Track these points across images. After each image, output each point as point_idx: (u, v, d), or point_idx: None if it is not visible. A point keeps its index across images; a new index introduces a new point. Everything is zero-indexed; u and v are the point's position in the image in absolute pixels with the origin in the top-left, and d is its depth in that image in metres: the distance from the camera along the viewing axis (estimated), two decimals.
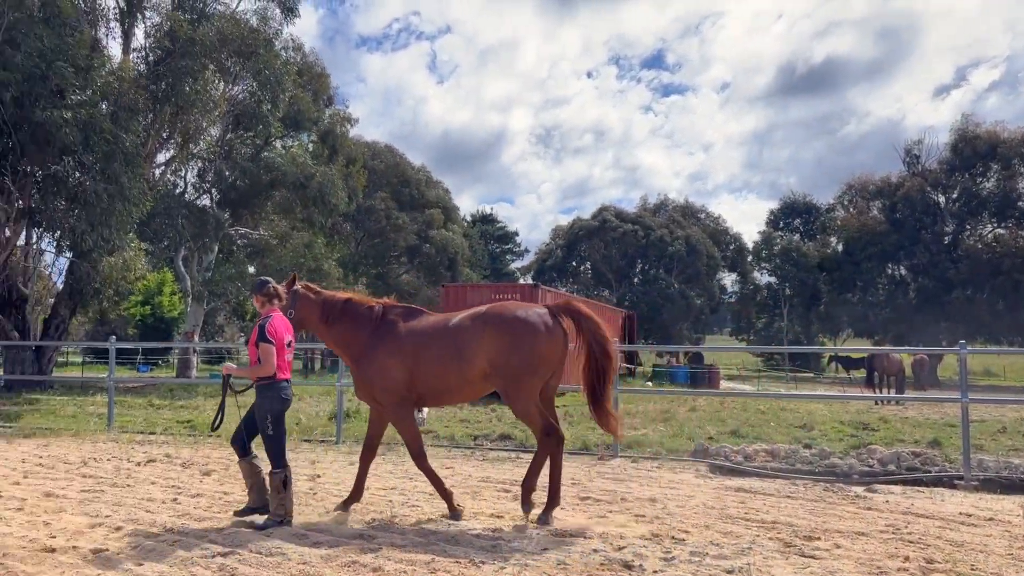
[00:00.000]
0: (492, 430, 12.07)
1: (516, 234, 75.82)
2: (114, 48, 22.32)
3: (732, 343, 64.90)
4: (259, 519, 6.01)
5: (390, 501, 6.91)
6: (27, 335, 21.01)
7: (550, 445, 6.26)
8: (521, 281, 58.72)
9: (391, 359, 6.37)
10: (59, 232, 19.86)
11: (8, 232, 19.08)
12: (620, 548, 5.38)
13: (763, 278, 59.28)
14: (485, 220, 73.27)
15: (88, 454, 9.86)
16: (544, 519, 6.13)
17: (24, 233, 20.57)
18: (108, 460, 9.36)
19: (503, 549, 5.34)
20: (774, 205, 60.02)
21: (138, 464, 9.05)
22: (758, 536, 5.80)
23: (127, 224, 18.94)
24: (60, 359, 34.56)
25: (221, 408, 6.41)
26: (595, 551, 5.28)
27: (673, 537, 5.72)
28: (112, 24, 22.27)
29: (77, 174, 17.75)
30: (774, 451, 9.57)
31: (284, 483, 6.00)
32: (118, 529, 5.78)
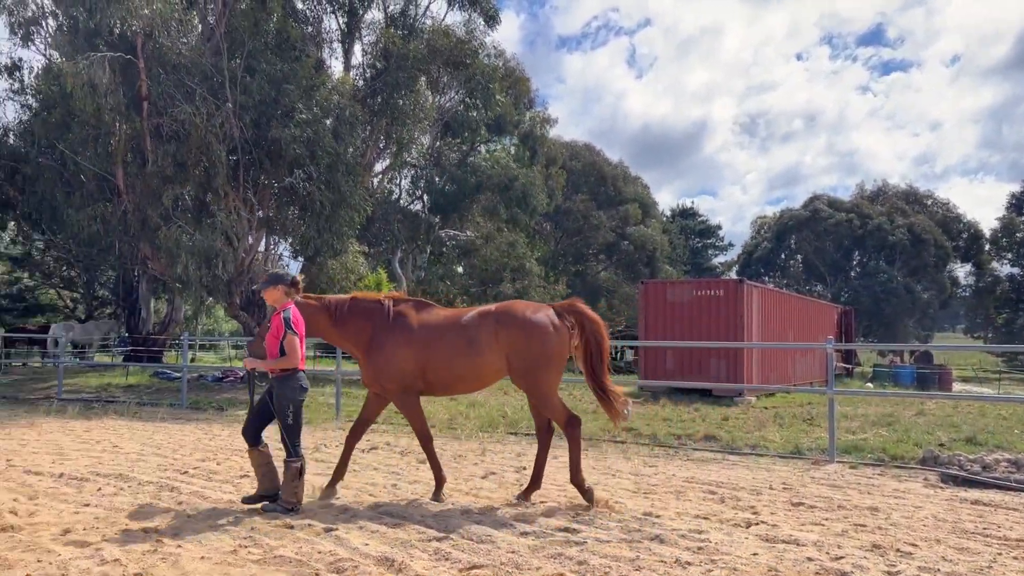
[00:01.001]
0: (695, 430, 11.80)
1: (719, 228, 73.23)
2: (336, 67, 24.32)
3: (967, 341, 58.78)
4: (269, 504, 6.23)
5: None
6: None
7: (576, 434, 6.70)
8: (724, 277, 56.70)
9: (402, 349, 6.81)
10: (292, 238, 21.97)
11: (251, 239, 21.33)
12: (837, 558, 5.06)
13: (1003, 269, 53.13)
14: (685, 215, 71.51)
15: (319, 440, 10.81)
16: (522, 497, 6.75)
17: (264, 240, 22.89)
18: (336, 447, 10.20)
19: (709, 550, 5.21)
20: (1015, 188, 53.38)
21: (362, 451, 9.78)
22: (1000, 555, 5.22)
23: (349, 229, 20.54)
24: None
25: (251, 403, 6.57)
26: (809, 559, 5.00)
27: (898, 550, 5.29)
28: (334, 45, 24.29)
29: (306, 185, 19.50)
30: (1019, 461, 8.55)
31: (299, 472, 6.26)
32: (346, 510, 6.28)
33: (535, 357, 6.64)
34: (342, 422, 13.14)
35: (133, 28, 18.15)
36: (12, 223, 26.56)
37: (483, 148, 30.36)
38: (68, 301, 37.57)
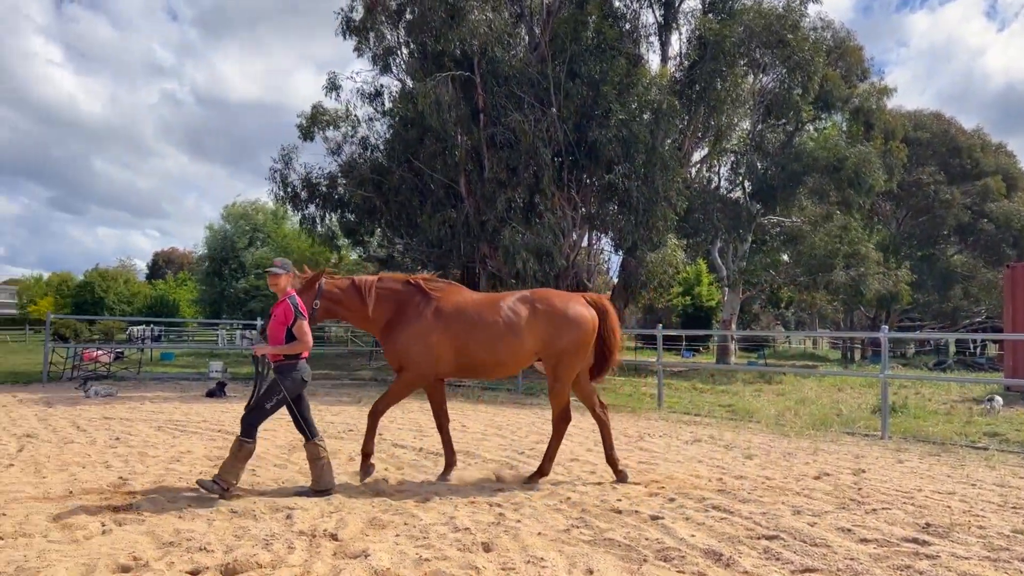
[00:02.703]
0: None
1: None
2: (653, 60, 24.47)
3: None
4: (206, 481, 6.09)
5: (948, 507, 6.22)
6: None
7: (563, 426, 7.20)
8: None
9: (435, 332, 6.89)
10: (612, 233, 22.62)
11: (575, 235, 22.35)
12: None
13: None
14: None
15: (643, 429, 11.02)
16: (529, 481, 6.98)
17: (587, 235, 23.83)
18: (660, 436, 10.32)
19: None
20: None
21: (686, 443, 9.78)
22: None
23: (667, 223, 20.59)
24: None
25: (255, 390, 6.42)
26: None
27: None
28: (651, 39, 24.45)
29: (623, 182, 19.93)
30: None
31: (249, 455, 6.14)
32: (672, 500, 6.34)
33: (567, 345, 6.95)
34: (664, 412, 13.25)
35: (471, 47, 19.99)
36: (378, 229, 30.67)
37: (810, 127, 28.50)
38: None
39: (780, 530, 5.39)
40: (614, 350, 7.35)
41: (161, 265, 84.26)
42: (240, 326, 41.54)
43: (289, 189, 27.88)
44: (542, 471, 7.13)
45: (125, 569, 4.32)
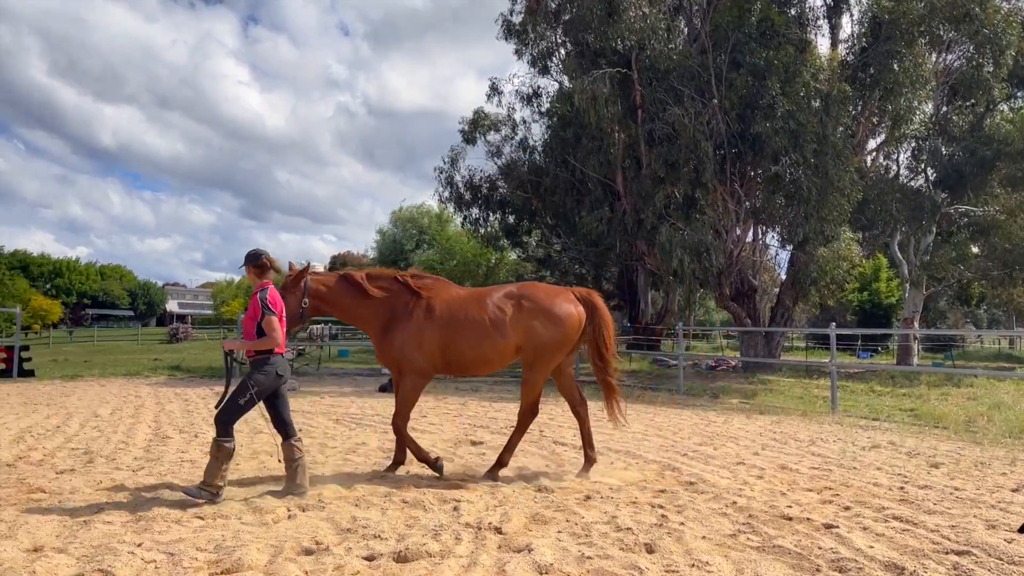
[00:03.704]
0: None
1: None
2: (822, 45, 23.21)
3: None
4: (190, 488, 5.84)
5: None
6: (757, 321, 23.43)
7: (529, 419, 7.24)
8: None
9: (426, 330, 6.85)
10: (779, 227, 21.66)
11: (739, 230, 21.61)
12: None
13: None
14: None
15: (815, 434, 10.49)
16: (489, 473, 6.95)
17: (751, 230, 22.98)
18: (834, 441, 9.78)
19: None
20: None
21: (863, 448, 9.21)
22: None
23: (840, 215, 19.46)
24: (786, 344, 37.45)
25: (226, 387, 6.18)
26: None
27: None
28: (819, 22, 23.19)
29: (791, 173, 19.04)
30: None
31: (229, 455, 5.85)
32: (847, 508, 6.00)
33: (548, 341, 6.93)
34: (838, 416, 12.55)
35: (629, 43, 19.84)
36: (536, 229, 31.10)
37: (1004, 107, 25.96)
38: None
39: (971, 545, 4.96)
40: (608, 344, 7.31)
41: (337, 267, 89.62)
42: None
43: (453, 191, 28.88)
44: (501, 462, 7.11)
45: (308, 552, 4.65)
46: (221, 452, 5.81)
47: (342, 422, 10.97)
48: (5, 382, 17.02)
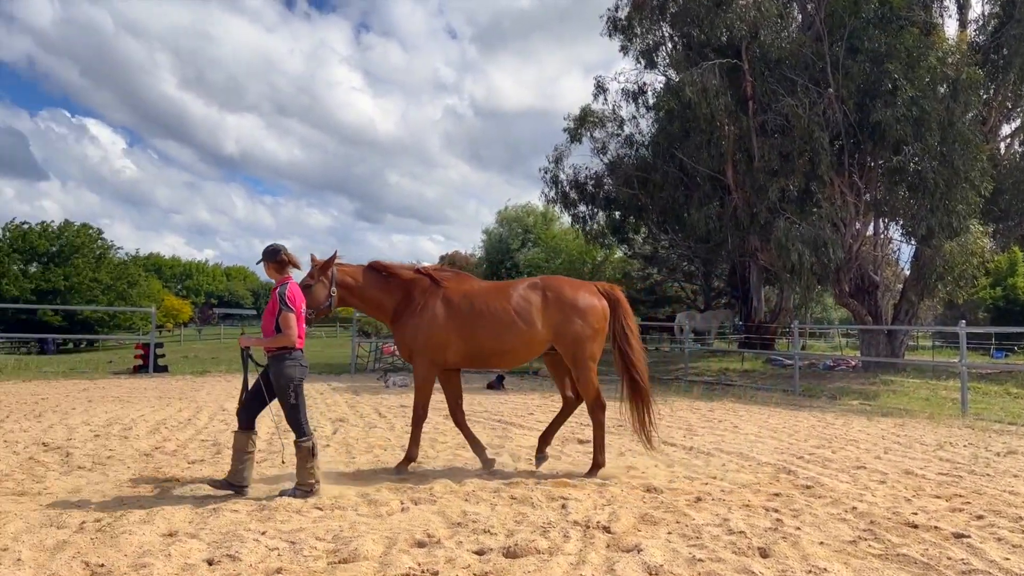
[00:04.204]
0: None
1: None
2: (949, 27, 21.88)
3: None
4: (287, 486, 5.95)
5: None
6: (879, 319, 22.32)
7: (600, 414, 7.09)
8: None
9: (447, 322, 6.87)
10: (902, 220, 20.53)
11: (858, 224, 20.64)
12: None
13: None
14: None
15: (943, 438, 9.91)
16: (590, 475, 6.93)
17: (872, 223, 21.90)
18: (964, 446, 9.22)
19: None
20: None
21: (997, 454, 8.65)
22: None
23: (968, 207, 18.28)
24: (910, 343, 35.52)
25: (244, 383, 6.19)
26: None
27: None
28: (946, 3, 21.87)
29: (913, 163, 18.03)
30: None
31: (311, 451, 5.91)
32: (979, 517, 5.65)
33: (580, 331, 6.91)
34: (969, 419, 11.81)
35: (739, 32, 19.30)
36: (643, 226, 30.71)
37: None
38: (689, 293, 41.78)
39: None
40: (631, 342, 7.18)
41: (447, 266, 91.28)
42: None
43: (558, 190, 28.91)
44: (597, 463, 7.10)
45: (421, 544, 4.77)
46: (303, 451, 5.93)
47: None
48: (142, 377, 18.24)
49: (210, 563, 4.30)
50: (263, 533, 4.88)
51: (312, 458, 5.94)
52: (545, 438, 7.50)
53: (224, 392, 14.70)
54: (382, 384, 16.72)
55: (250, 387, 6.17)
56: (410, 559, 4.40)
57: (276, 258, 6.13)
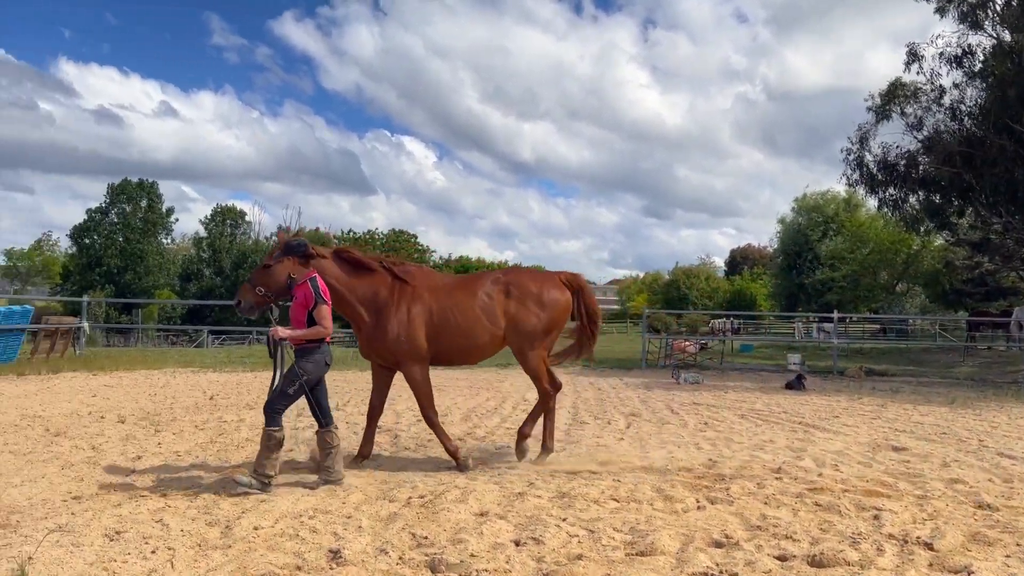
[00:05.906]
0: None
1: None
2: None
3: None
4: (242, 477, 5.72)
5: None
6: None
7: (549, 400, 7.17)
8: None
9: (418, 318, 6.55)
10: None
11: None
12: None
13: None
14: None
15: None
16: (540, 461, 7.02)
17: None
18: None
19: None
20: None
21: None
22: None
23: None
24: None
25: (274, 376, 6.02)
26: None
27: None
28: None
29: None
30: None
31: (279, 443, 5.80)
32: None
33: (535, 326, 6.84)
34: None
35: None
36: (969, 208, 27.14)
37: None
38: None
39: None
40: (594, 327, 7.37)
41: (738, 261, 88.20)
42: (816, 319, 41.13)
43: (863, 172, 26.66)
44: (546, 448, 7.17)
45: (718, 544, 4.67)
46: (271, 441, 5.76)
47: (747, 418, 10.81)
48: (453, 368, 19.95)
49: (517, 544, 4.60)
50: (564, 520, 5.11)
51: (277, 450, 5.81)
52: (521, 434, 7.26)
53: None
54: (673, 380, 16.65)
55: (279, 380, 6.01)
56: (707, 558, 4.33)
57: (304, 251, 6.08)
